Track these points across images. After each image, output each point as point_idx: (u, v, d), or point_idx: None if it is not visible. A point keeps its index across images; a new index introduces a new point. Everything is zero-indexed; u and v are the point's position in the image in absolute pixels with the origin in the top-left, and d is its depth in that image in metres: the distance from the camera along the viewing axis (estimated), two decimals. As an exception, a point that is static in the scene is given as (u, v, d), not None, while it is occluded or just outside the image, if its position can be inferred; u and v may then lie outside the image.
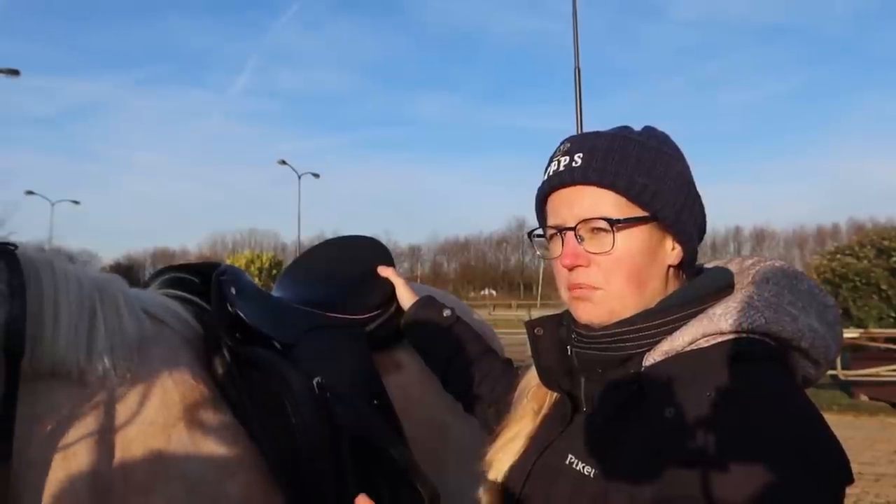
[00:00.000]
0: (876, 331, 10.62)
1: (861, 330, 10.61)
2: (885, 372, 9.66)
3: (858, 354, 10.39)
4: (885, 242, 11.95)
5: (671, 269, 1.00)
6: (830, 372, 9.77)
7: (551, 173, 1.02)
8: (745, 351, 0.88)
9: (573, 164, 0.98)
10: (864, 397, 9.88)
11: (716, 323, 0.90)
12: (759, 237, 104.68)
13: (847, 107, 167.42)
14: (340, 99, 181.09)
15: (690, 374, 0.88)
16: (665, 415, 0.85)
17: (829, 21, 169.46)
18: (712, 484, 0.77)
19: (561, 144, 1.04)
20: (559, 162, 1.01)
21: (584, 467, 0.93)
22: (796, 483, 0.76)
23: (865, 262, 11.82)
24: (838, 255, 12.56)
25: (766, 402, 0.83)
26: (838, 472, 0.81)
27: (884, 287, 11.44)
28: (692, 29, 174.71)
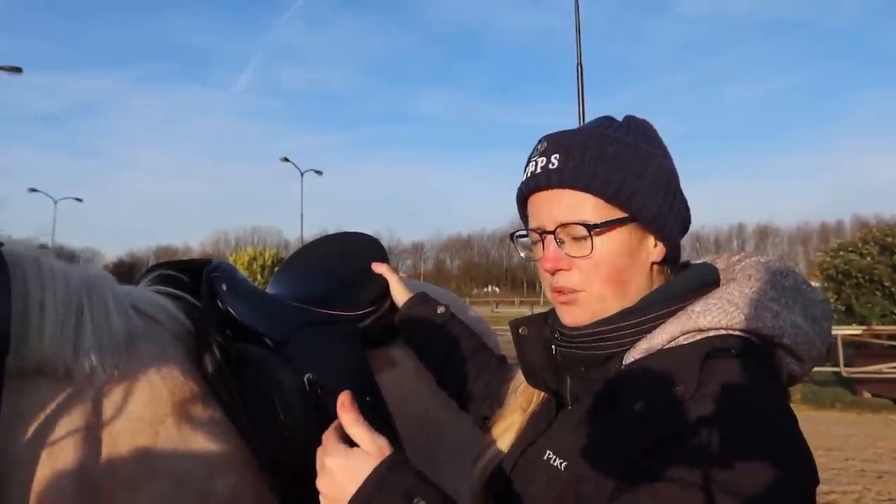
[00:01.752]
0: (879, 328, 10.60)
1: (864, 327, 10.60)
2: (887, 369, 9.63)
3: (861, 351, 10.38)
4: (889, 239, 11.93)
5: (655, 266, 0.99)
6: (833, 369, 9.76)
7: (529, 175, 1.01)
8: (721, 347, 0.87)
9: (550, 165, 0.97)
10: (866, 394, 9.85)
11: (694, 320, 0.90)
12: (763, 234, 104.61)
13: (852, 103, 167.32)
14: (343, 96, 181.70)
15: (665, 370, 0.87)
16: (635, 408, 0.85)
17: (836, 16, 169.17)
18: (675, 474, 0.76)
19: (538, 143, 1.02)
20: (536, 163, 0.99)
21: (559, 462, 0.93)
22: (756, 479, 0.75)
23: (869, 258, 11.81)
24: (842, 252, 12.54)
25: (735, 395, 0.82)
26: (805, 472, 0.79)
27: (887, 284, 11.42)
28: (697, 24, 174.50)
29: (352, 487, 0.80)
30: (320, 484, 0.84)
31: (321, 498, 0.84)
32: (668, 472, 0.77)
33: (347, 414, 0.86)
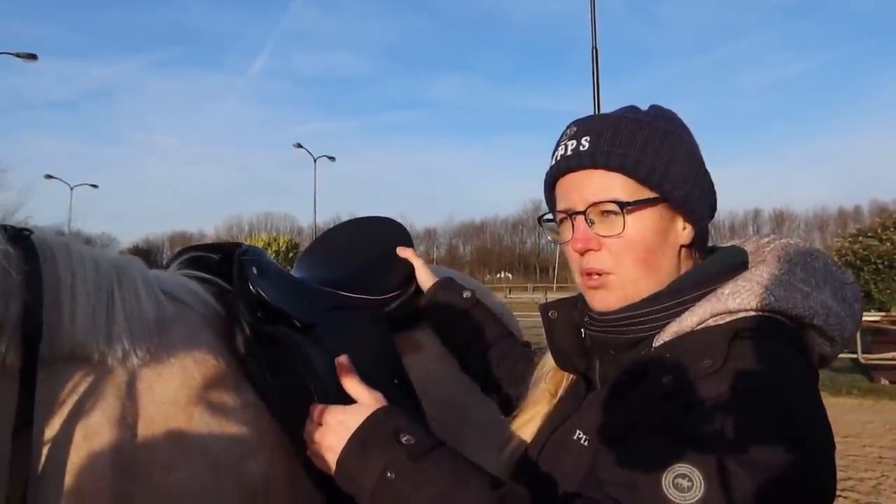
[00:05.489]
0: (898, 314, 10.47)
1: (882, 313, 10.48)
2: (906, 356, 9.53)
3: (879, 338, 10.25)
4: (909, 225, 11.76)
5: (683, 249, 1.00)
6: (851, 356, 9.67)
7: (558, 158, 1.02)
8: (751, 328, 0.87)
9: (580, 147, 0.98)
10: (884, 381, 9.75)
11: (724, 302, 0.90)
12: (780, 219, 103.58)
13: (870, 86, 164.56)
14: (357, 81, 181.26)
15: (694, 349, 0.87)
16: (662, 382, 0.86)
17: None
18: (701, 446, 0.76)
19: (567, 128, 1.03)
20: (566, 146, 1.01)
21: (585, 439, 0.94)
22: (775, 454, 0.75)
23: (888, 244, 11.65)
24: (860, 238, 12.40)
25: (758, 372, 0.82)
26: (822, 449, 0.80)
27: (906, 270, 11.26)
28: (716, 6, 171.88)
29: (349, 435, 0.88)
30: (324, 438, 0.92)
31: (324, 451, 0.91)
32: (684, 441, 0.77)
33: (347, 374, 0.97)
